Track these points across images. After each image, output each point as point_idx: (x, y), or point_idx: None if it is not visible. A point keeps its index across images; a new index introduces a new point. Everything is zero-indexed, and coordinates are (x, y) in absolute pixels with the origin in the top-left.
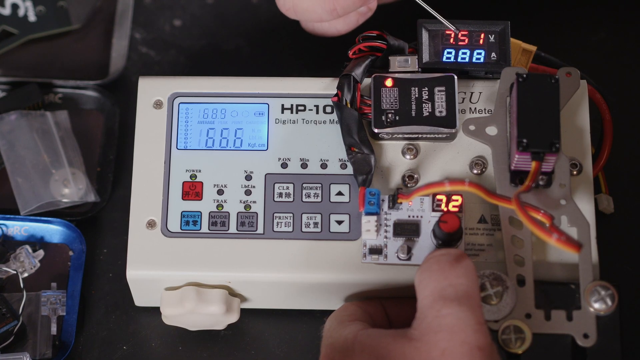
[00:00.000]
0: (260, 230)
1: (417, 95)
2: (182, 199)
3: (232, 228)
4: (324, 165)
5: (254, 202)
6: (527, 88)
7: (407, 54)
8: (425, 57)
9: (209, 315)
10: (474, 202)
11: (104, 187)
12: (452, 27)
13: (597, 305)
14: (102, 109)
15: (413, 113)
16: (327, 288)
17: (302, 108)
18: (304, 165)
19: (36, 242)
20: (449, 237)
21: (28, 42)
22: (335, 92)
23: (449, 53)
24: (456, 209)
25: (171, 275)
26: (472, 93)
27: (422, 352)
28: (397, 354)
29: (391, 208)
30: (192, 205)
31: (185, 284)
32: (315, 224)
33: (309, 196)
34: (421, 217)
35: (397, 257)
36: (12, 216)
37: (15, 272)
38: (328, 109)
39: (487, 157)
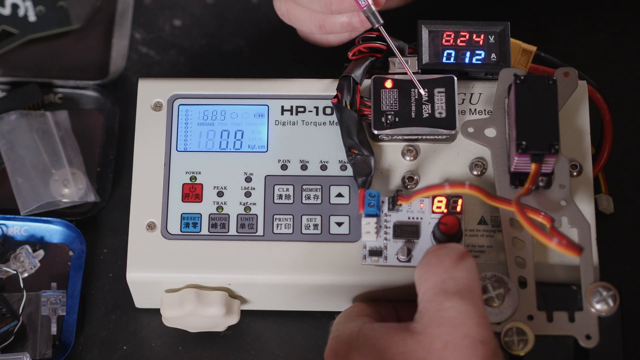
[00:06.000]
0: (260, 232)
1: (416, 97)
2: (182, 201)
3: (232, 230)
4: (323, 167)
5: (254, 203)
6: (524, 89)
7: (407, 55)
8: (425, 58)
9: (209, 317)
10: (474, 203)
11: (104, 187)
12: (410, 73)
13: (599, 306)
14: (102, 109)
15: (413, 114)
16: (327, 290)
17: (301, 109)
18: (304, 167)
19: (36, 242)
20: (448, 238)
21: (28, 42)
22: (334, 93)
23: (449, 54)
24: (456, 211)
25: (171, 278)
26: (472, 94)
27: (424, 345)
28: (398, 346)
29: (391, 210)
30: (192, 207)
31: (186, 286)
32: (315, 225)
33: (308, 198)
34: (421, 218)
35: (397, 258)
36: (12, 216)
37: (15, 272)
38: (328, 111)
39: (487, 158)
